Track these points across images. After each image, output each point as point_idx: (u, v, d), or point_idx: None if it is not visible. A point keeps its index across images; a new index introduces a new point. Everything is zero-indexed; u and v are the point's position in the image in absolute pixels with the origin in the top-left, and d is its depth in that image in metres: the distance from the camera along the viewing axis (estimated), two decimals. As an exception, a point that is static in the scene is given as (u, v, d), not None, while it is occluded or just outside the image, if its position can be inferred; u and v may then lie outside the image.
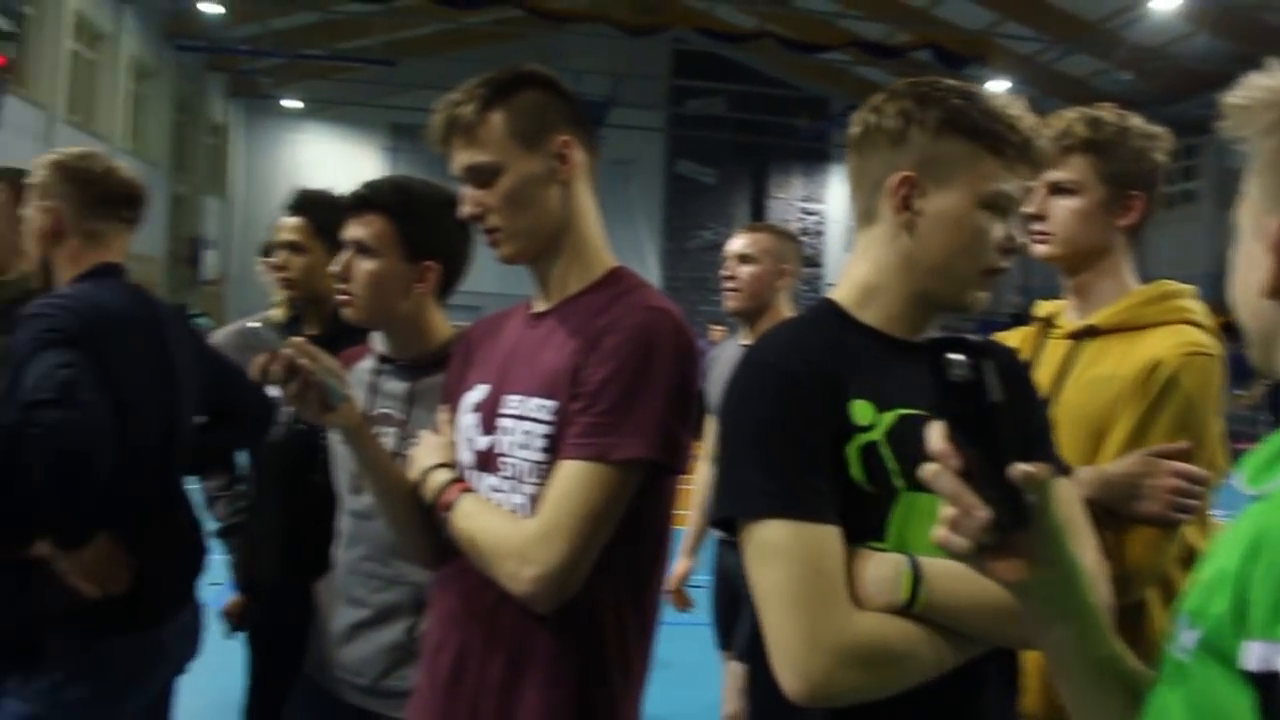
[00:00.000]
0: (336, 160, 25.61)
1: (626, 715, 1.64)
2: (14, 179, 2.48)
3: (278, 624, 2.15)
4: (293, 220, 2.77)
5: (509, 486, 1.61)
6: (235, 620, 2.70)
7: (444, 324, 2.06)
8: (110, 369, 2.03)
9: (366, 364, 2.08)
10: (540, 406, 1.59)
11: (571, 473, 1.52)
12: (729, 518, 1.32)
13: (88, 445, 1.91)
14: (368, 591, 2.00)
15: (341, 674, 2.03)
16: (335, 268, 1.99)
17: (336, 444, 2.09)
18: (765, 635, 1.25)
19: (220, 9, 19.02)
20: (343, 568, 2.06)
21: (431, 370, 2.00)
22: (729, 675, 3.28)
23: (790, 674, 1.21)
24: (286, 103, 25.16)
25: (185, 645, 2.37)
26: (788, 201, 27.18)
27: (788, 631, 1.22)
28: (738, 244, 3.27)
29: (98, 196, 2.27)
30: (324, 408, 1.69)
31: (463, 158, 1.65)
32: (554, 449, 1.56)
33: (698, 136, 25.84)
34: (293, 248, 2.75)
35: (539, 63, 1.75)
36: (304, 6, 20.37)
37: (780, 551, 1.24)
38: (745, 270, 3.21)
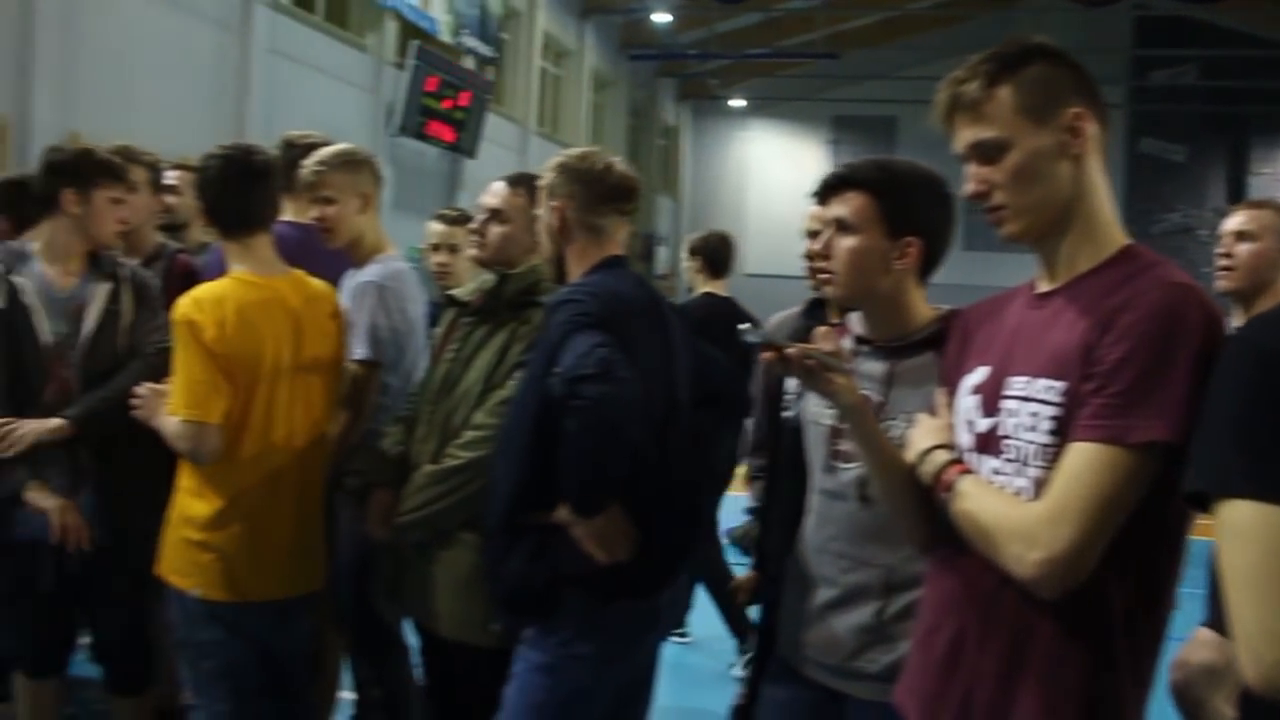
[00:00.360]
0: (779, 156, 26.15)
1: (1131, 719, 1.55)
2: (530, 183, 2.72)
3: (774, 601, 2.22)
4: (816, 209, 2.84)
5: (1012, 469, 1.56)
6: (745, 595, 2.81)
7: (925, 305, 2.01)
8: (628, 350, 2.17)
9: (844, 344, 2.06)
10: (1048, 388, 1.52)
11: (1083, 455, 1.44)
12: (1199, 493, 1.27)
13: (624, 418, 2.07)
14: (837, 572, 2.02)
15: (810, 653, 2.06)
16: (815, 246, 2.00)
17: (810, 424, 2.10)
18: (1229, 618, 1.20)
19: (668, 17, 20.02)
20: (811, 547, 2.08)
21: (911, 352, 1.97)
22: (1193, 639, 3.02)
23: (1245, 660, 1.17)
24: (732, 102, 26.02)
25: (674, 614, 2.51)
26: (1275, 178, 24.12)
27: (1246, 616, 1.18)
28: (1235, 221, 3.10)
29: (599, 193, 2.44)
30: (829, 384, 1.77)
31: (967, 135, 1.62)
32: (1062, 431, 1.49)
33: (1164, 110, 23.65)
34: (814, 235, 2.84)
35: (987, 44, 1.67)
36: (748, 8, 20.94)
37: (1248, 533, 1.19)
38: (1243, 248, 3.05)
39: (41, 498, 2.81)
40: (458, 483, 2.55)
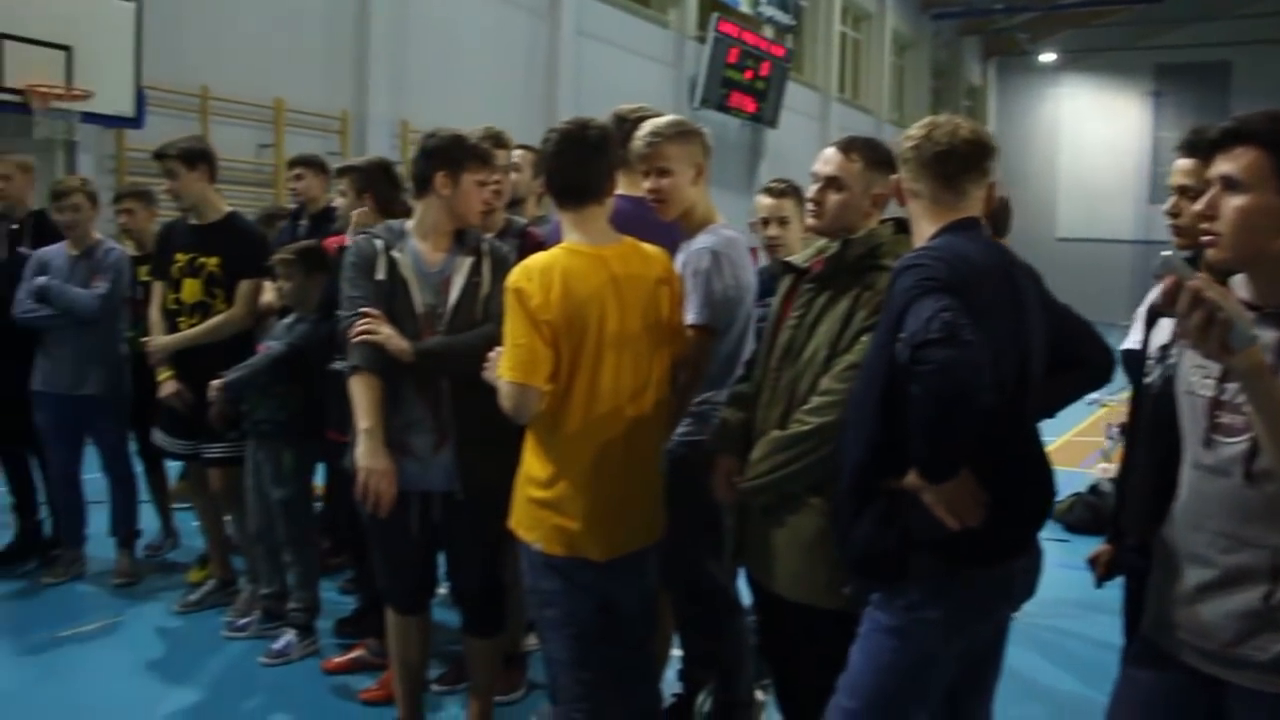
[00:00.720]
0: (1094, 113, 24.61)
1: None
2: (863, 147, 2.77)
3: (1140, 575, 2.12)
4: (1185, 163, 2.75)
5: None
6: (1102, 569, 2.72)
7: None
8: (976, 314, 2.12)
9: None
10: None
11: None
12: None
13: (972, 383, 2.03)
14: (1215, 552, 1.90)
15: (1183, 635, 1.95)
16: (1198, 206, 1.88)
17: (1183, 395, 1.99)
18: None
19: (974, -29, 19.24)
20: (1184, 524, 1.97)
21: None
22: None
23: None
24: (1041, 58, 24.70)
25: (1024, 585, 2.44)
26: None
27: None
28: None
29: (930, 160, 2.39)
30: (1224, 348, 1.64)
31: None
32: None
33: None
34: (1182, 191, 2.77)
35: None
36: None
37: None
38: None
39: (364, 455, 3.04)
40: (806, 448, 2.57)
